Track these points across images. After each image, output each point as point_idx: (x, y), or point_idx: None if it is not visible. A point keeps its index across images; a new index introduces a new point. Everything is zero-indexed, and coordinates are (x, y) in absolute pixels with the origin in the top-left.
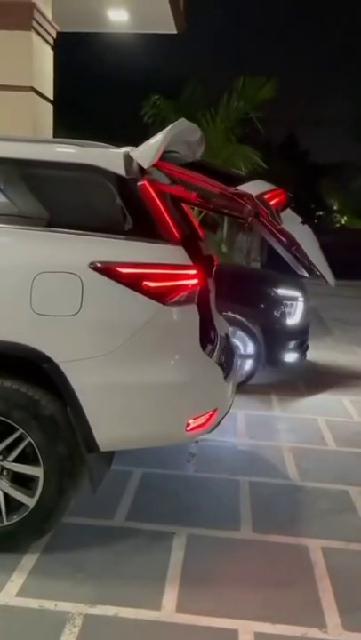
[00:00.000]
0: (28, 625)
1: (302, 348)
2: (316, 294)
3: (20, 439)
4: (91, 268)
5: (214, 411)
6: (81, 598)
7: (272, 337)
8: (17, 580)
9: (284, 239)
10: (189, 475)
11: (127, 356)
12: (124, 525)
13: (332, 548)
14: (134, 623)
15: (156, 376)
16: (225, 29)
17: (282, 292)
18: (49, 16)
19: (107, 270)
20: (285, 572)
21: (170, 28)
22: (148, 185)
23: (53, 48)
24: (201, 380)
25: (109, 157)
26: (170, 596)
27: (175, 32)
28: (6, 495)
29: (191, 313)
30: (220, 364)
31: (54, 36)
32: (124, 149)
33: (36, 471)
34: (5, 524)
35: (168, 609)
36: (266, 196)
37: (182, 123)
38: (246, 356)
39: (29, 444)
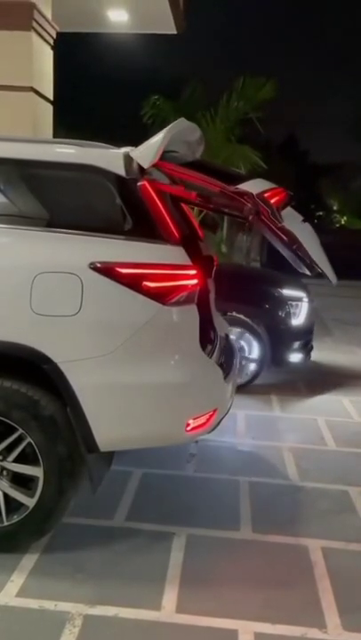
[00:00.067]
0: (27, 625)
1: (307, 348)
2: (315, 294)
3: (19, 439)
4: (91, 268)
5: (214, 411)
6: (81, 598)
7: (277, 337)
8: (17, 580)
9: (285, 237)
10: (189, 475)
11: (127, 356)
12: (123, 525)
13: (332, 548)
14: (134, 623)
15: (155, 376)
16: (225, 29)
17: (287, 292)
18: (49, 16)
19: (107, 270)
20: (285, 573)
21: (170, 28)
22: (147, 185)
23: (53, 48)
24: (201, 380)
25: (109, 158)
26: (170, 597)
27: (175, 32)
28: (6, 495)
29: (191, 313)
30: (220, 365)
31: (54, 36)
32: (123, 149)
33: (36, 471)
34: (5, 524)
35: (168, 609)
36: (266, 195)
37: (182, 122)
38: (251, 358)
39: (29, 444)
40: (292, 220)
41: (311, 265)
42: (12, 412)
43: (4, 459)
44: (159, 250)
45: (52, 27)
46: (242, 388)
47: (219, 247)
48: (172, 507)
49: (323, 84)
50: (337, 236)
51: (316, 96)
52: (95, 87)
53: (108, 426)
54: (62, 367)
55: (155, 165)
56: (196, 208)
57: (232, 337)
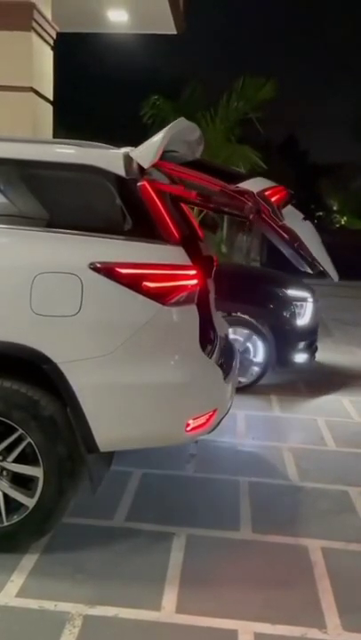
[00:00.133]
0: (27, 625)
1: (311, 348)
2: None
3: (19, 439)
4: (90, 268)
5: (214, 411)
6: (81, 599)
7: (282, 338)
8: (17, 581)
9: (286, 235)
10: (189, 475)
11: (127, 356)
12: (123, 526)
13: (332, 548)
14: (134, 624)
15: (155, 376)
16: (224, 30)
17: (291, 292)
18: (49, 16)
19: (106, 271)
20: (285, 573)
21: (169, 28)
22: (147, 185)
23: (53, 48)
24: (201, 380)
25: (109, 158)
26: (170, 597)
27: (175, 32)
28: (6, 496)
29: (191, 313)
30: (220, 365)
31: (54, 36)
32: (123, 150)
33: (36, 471)
34: (5, 524)
35: (168, 609)
36: (267, 193)
37: (181, 122)
38: (256, 362)
39: (29, 444)
40: (293, 218)
41: (313, 263)
42: (11, 412)
43: (4, 459)
44: (159, 250)
45: (52, 27)
46: (246, 389)
47: (219, 247)
48: (172, 507)
49: (323, 84)
50: (337, 237)
51: (316, 96)
52: (95, 87)
53: (108, 426)
54: (62, 367)
55: (155, 165)
56: (196, 208)
57: (239, 338)
